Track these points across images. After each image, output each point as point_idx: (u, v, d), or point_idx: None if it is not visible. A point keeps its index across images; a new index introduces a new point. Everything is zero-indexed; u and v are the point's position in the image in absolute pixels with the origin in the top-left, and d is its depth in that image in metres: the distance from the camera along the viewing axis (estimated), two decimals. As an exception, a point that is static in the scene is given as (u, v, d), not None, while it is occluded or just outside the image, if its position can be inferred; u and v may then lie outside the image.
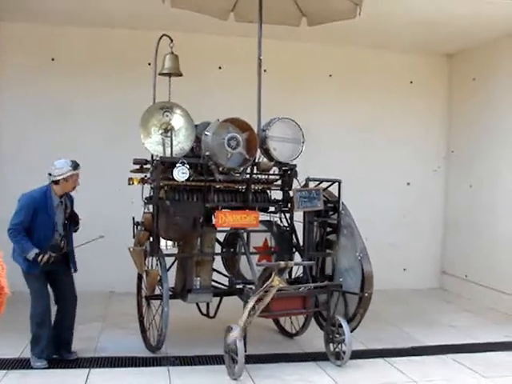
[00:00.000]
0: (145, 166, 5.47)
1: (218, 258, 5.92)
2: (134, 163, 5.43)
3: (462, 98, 8.87)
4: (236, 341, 4.71)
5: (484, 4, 6.50)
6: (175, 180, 5.10)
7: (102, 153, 7.81)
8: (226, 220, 5.27)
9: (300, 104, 8.04)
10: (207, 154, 5.16)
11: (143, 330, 5.77)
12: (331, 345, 5.35)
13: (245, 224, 5.40)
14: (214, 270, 5.79)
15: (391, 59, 8.83)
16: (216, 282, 5.81)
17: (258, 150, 5.48)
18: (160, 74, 5.80)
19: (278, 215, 5.79)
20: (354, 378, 4.98)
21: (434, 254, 9.17)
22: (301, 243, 5.70)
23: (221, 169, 5.26)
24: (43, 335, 4.94)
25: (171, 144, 5.27)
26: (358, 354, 5.37)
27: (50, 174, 4.97)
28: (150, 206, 5.41)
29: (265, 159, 5.62)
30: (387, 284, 7.77)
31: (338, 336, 5.23)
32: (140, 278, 5.84)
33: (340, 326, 5.19)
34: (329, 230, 5.75)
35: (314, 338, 5.79)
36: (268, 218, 5.80)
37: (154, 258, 5.44)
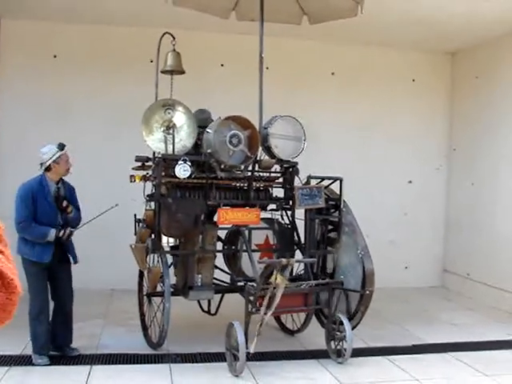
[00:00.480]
0: (146, 164, 5.48)
1: (220, 255, 5.92)
2: (136, 160, 5.44)
3: (463, 96, 8.87)
4: (237, 338, 4.72)
5: (482, 2, 6.50)
6: (177, 177, 5.11)
7: (103, 150, 7.82)
8: (227, 217, 5.28)
9: (302, 102, 8.04)
10: (209, 151, 5.17)
11: (145, 327, 5.78)
12: (332, 342, 5.35)
13: (246, 221, 5.40)
14: (216, 267, 5.79)
15: (393, 57, 8.83)
16: (217, 279, 5.82)
17: (260, 148, 5.48)
18: (162, 72, 5.81)
19: (279, 213, 5.79)
20: (355, 375, 4.99)
21: (436, 252, 9.17)
22: (302, 241, 5.70)
23: (222, 166, 5.26)
24: (41, 332, 4.96)
25: (173, 141, 5.27)
26: (359, 352, 5.37)
27: (40, 164, 5.00)
28: (152, 203, 5.42)
29: (266, 157, 5.62)
30: (388, 282, 7.78)
31: (339, 333, 5.24)
32: (141, 275, 5.86)
33: (341, 323, 5.19)
34: (330, 227, 5.76)
35: (315, 336, 5.79)
36: (269, 216, 5.80)
37: (156, 255, 5.45)
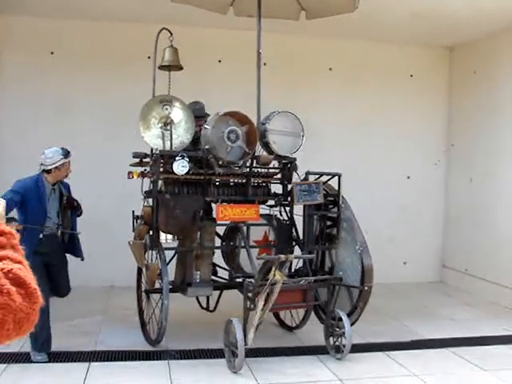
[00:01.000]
0: (144, 160, 5.46)
1: (218, 252, 5.92)
2: (134, 157, 5.42)
3: (462, 92, 8.85)
4: (236, 334, 4.72)
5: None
6: (175, 173, 5.09)
7: (101, 147, 7.80)
8: (226, 214, 5.27)
9: (299, 97, 8.01)
10: (207, 147, 5.15)
11: (143, 324, 5.77)
12: (331, 338, 5.35)
13: (245, 218, 5.39)
14: (214, 263, 5.79)
15: (391, 52, 8.80)
16: (216, 275, 5.81)
17: (258, 144, 5.47)
18: (160, 68, 5.78)
19: (277, 209, 5.78)
20: (354, 371, 4.99)
21: (434, 248, 9.16)
22: (301, 237, 5.69)
23: (220, 162, 5.25)
24: (42, 329, 4.94)
25: (171, 137, 5.25)
26: (358, 348, 5.37)
27: (41, 165, 4.99)
28: (150, 200, 5.41)
29: (264, 153, 5.61)
30: (387, 278, 7.78)
31: (337, 329, 5.24)
32: (140, 271, 5.85)
33: (340, 319, 5.19)
34: (329, 223, 5.75)
35: (314, 332, 5.79)
36: (268, 212, 5.79)
37: (154, 252, 5.44)
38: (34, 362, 4.92)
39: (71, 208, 5.19)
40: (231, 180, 5.53)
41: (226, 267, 5.93)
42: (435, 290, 8.60)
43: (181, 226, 5.38)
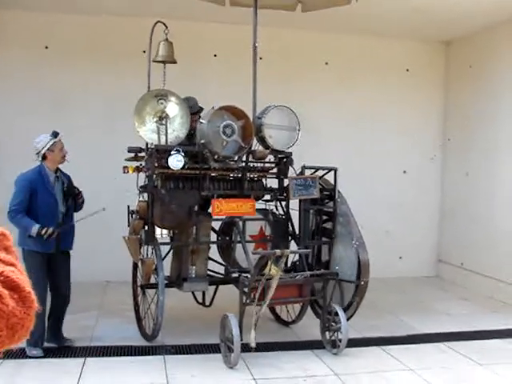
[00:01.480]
0: (139, 155, 5.44)
1: (214, 247, 5.90)
2: (129, 151, 5.40)
3: (458, 86, 8.83)
4: (232, 329, 4.71)
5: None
6: (170, 168, 5.07)
7: (96, 142, 7.76)
8: (221, 208, 5.25)
9: (295, 92, 7.99)
10: (202, 141, 5.13)
11: (139, 319, 5.76)
12: (327, 333, 5.34)
13: (241, 212, 5.37)
14: (210, 258, 5.77)
15: (387, 47, 8.77)
16: (211, 270, 5.80)
17: (254, 138, 5.45)
18: (154, 61, 5.75)
19: (273, 203, 5.76)
20: (350, 366, 4.99)
21: (430, 242, 9.17)
22: (297, 231, 5.68)
23: (216, 157, 5.22)
24: (38, 324, 4.91)
25: (166, 132, 5.22)
26: (354, 342, 5.36)
27: (36, 154, 4.99)
28: (145, 195, 5.39)
29: (260, 147, 5.59)
30: (383, 272, 7.78)
31: (334, 324, 5.23)
32: (135, 266, 5.83)
33: (336, 314, 5.18)
34: (325, 218, 5.74)
35: (310, 327, 5.78)
36: (264, 207, 5.78)
37: (150, 247, 5.42)
38: (30, 357, 4.90)
39: (73, 196, 5.19)
40: (227, 174, 5.50)
41: (222, 262, 5.92)
42: (431, 284, 8.61)
43: (176, 221, 5.35)
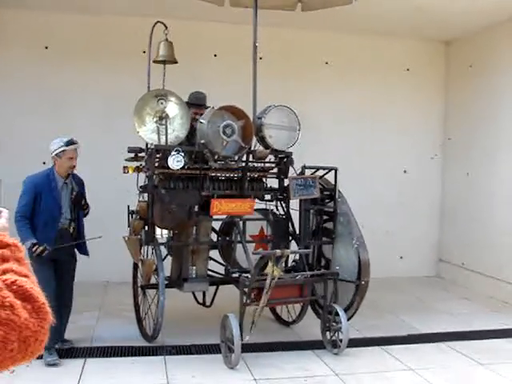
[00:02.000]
0: (139, 155, 5.43)
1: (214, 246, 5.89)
2: (129, 151, 5.39)
3: (458, 85, 8.82)
4: (232, 330, 4.70)
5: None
6: (170, 168, 5.06)
7: (96, 141, 7.73)
8: (221, 208, 5.24)
9: (296, 91, 7.98)
10: (202, 141, 5.12)
11: (139, 320, 5.75)
12: (328, 333, 5.33)
13: (240, 212, 5.36)
14: (211, 258, 5.76)
15: (388, 46, 8.77)
16: (212, 270, 5.79)
17: (254, 138, 5.44)
18: (154, 62, 5.74)
19: (274, 203, 5.75)
20: (350, 366, 4.98)
21: (431, 242, 9.16)
22: (297, 231, 5.67)
23: (216, 157, 5.21)
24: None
25: (166, 132, 5.21)
26: (354, 342, 5.36)
27: (51, 156, 4.98)
28: (145, 195, 5.37)
29: (261, 147, 5.58)
30: (384, 272, 7.78)
31: (334, 324, 5.22)
32: (136, 267, 5.82)
33: (337, 314, 5.17)
34: (325, 217, 5.73)
35: (310, 326, 5.78)
36: (264, 207, 5.77)
37: (150, 247, 5.41)
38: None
39: (78, 205, 5.11)
40: (227, 174, 5.49)
41: (222, 262, 5.91)
42: (432, 284, 8.60)
43: (176, 221, 5.34)
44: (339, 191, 5.61)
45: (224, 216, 5.60)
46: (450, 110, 9.03)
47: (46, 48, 7.79)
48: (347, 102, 8.60)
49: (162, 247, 5.42)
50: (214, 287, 5.83)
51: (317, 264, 5.76)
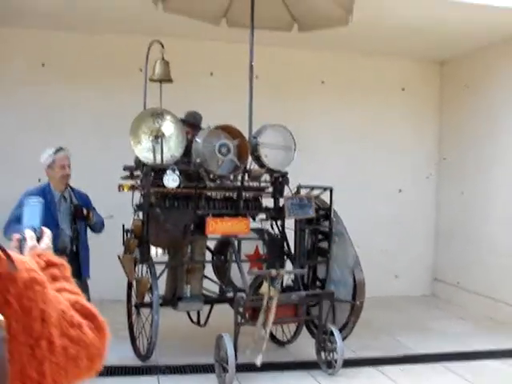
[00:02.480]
0: (135, 173, 5.43)
1: (209, 266, 5.87)
2: (124, 170, 5.39)
3: (454, 105, 8.88)
4: (227, 350, 4.67)
5: (475, 10, 6.48)
6: (165, 187, 5.06)
7: (92, 159, 7.73)
8: (216, 227, 5.23)
9: (292, 111, 8.01)
10: (198, 160, 5.13)
11: (133, 339, 5.71)
12: (323, 353, 5.30)
13: (235, 231, 5.36)
14: (205, 277, 5.74)
15: (383, 66, 8.82)
16: (206, 289, 5.77)
17: (250, 157, 5.45)
18: (151, 80, 5.77)
19: (269, 223, 5.75)
20: (345, 387, 4.95)
21: (426, 261, 9.15)
22: (292, 251, 5.66)
23: (211, 176, 5.22)
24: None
25: (161, 151, 5.22)
26: (349, 363, 5.33)
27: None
28: (140, 213, 5.36)
29: (256, 166, 5.59)
30: (379, 291, 7.75)
31: (329, 344, 5.19)
32: (130, 285, 5.79)
33: (332, 334, 5.15)
34: (320, 237, 5.72)
35: (305, 346, 5.74)
36: (259, 226, 5.76)
37: (144, 266, 5.39)
38: None
39: (80, 217, 4.92)
40: (222, 194, 5.49)
41: (217, 280, 5.89)
42: (427, 303, 8.58)
43: (171, 240, 5.34)
44: (334, 211, 5.61)
45: (217, 234, 5.58)
46: (445, 130, 9.08)
47: (43, 66, 7.80)
48: (343, 121, 8.63)
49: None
50: (209, 306, 5.80)
51: (312, 284, 5.74)
